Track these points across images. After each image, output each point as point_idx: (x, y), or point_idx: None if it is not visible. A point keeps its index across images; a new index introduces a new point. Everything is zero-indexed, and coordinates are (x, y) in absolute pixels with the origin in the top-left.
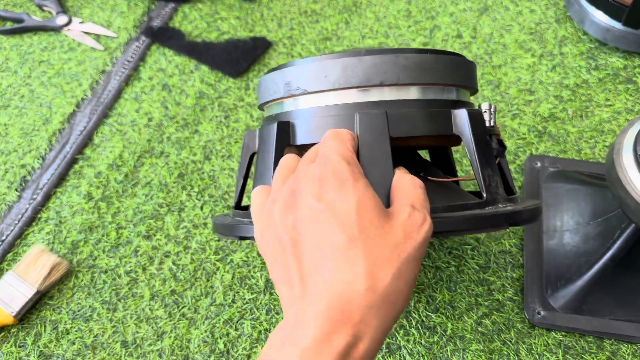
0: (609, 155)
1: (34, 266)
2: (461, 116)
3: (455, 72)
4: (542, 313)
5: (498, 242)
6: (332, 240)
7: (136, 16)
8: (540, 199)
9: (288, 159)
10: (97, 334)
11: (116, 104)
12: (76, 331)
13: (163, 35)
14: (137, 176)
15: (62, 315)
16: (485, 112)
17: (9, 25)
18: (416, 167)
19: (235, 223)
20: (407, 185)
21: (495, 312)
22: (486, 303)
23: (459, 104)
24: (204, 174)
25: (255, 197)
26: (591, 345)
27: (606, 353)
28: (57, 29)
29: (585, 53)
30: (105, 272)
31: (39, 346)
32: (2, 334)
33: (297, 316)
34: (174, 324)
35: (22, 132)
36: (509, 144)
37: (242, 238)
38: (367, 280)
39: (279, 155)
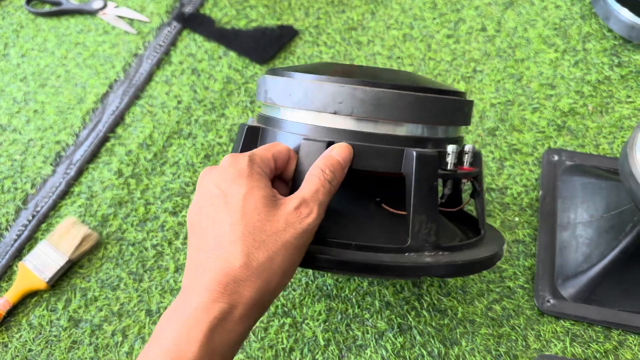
0: (624, 149)
1: (66, 236)
2: (409, 156)
3: (418, 109)
4: (552, 301)
5: (512, 232)
6: (220, 222)
7: (168, 2)
8: (556, 191)
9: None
10: (123, 302)
11: (147, 86)
12: (104, 299)
13: (194, 21)
14: (165, 155)
15: (91, 283)
16: (449, 154)
17: (47, 7)
18: (379, 194)
19: None
20: (310, 178)
21: (505, 299)
22: (497, 289)
23: (421, 142)
24: None
25: None
26: (599, 334)
27: (613, 342)
28: (92, 13)
29: (609, 50)
30: (133, 244)
31: (68, 311)
32: (35, 298)
33: (185, 291)
34: None
35: (58, 110)
36: (528, 136)
37: None
38: (242, 258)
39: None
